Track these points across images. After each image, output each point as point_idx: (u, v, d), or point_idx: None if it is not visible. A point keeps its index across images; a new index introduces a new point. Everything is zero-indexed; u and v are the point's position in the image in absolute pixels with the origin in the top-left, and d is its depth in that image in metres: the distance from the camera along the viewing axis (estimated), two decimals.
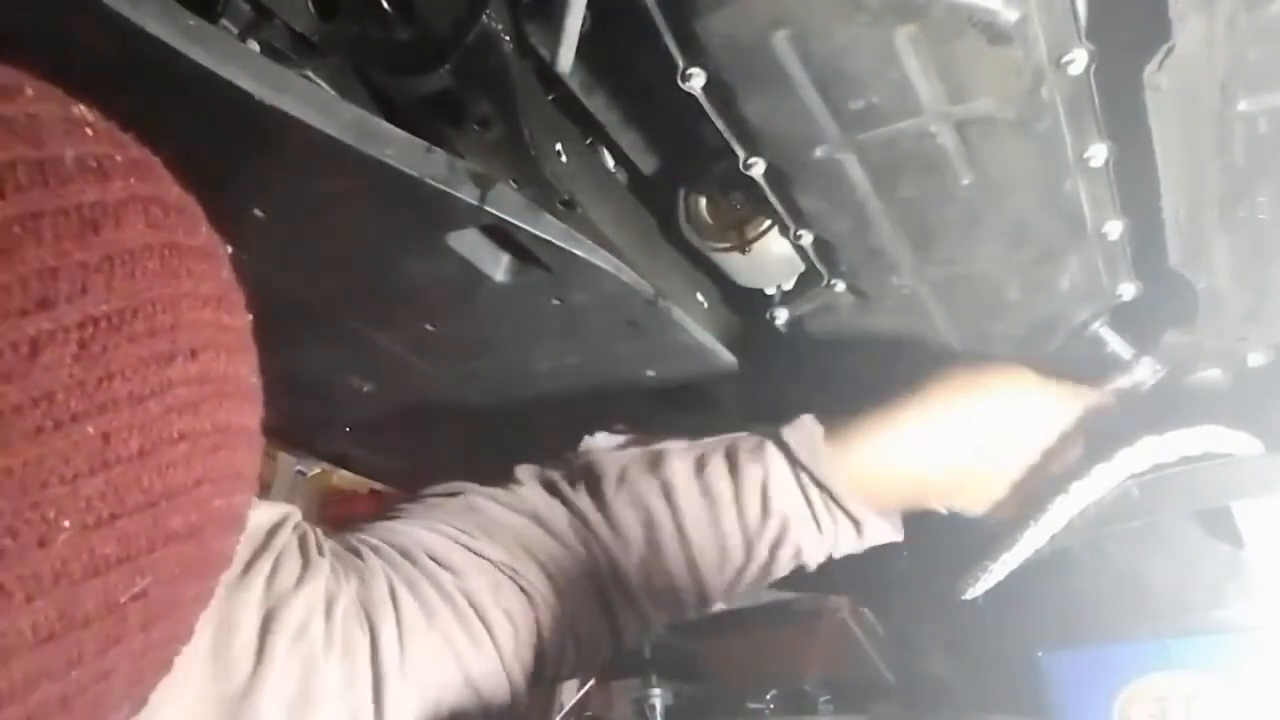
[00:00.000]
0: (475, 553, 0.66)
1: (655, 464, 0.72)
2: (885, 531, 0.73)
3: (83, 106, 0.35)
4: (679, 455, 0.72)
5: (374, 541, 0.65)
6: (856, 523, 0.71)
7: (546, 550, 0.68)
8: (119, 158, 0.34)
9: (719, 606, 0.75)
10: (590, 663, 0.70)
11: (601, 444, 0.75)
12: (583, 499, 0.70)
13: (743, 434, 0.74)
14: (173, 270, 0.34)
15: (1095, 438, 0.71)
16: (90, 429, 0.31)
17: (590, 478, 0.71)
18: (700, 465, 0.71)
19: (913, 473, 0.72)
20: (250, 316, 0.39)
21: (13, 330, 0.29)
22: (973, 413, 0.72)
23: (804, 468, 0.70)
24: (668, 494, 0.70)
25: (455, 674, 0.61)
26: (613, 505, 0.70)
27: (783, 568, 0.72)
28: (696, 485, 0.70)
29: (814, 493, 0.70)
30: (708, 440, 0.74)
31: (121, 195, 0.33)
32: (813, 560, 0.73)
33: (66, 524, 0.30)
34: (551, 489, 0.71)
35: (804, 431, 0.71)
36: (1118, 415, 0.74)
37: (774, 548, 0.71)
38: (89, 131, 0.34)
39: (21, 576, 0.29)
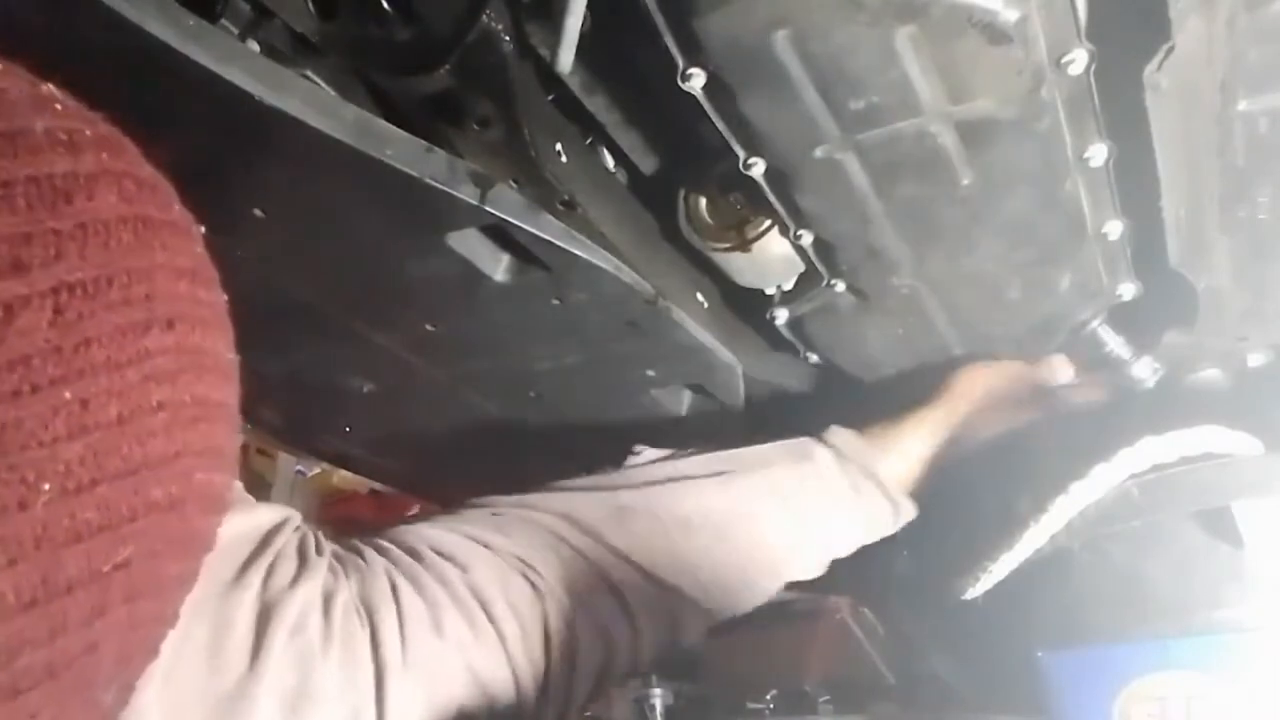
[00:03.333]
0: (484, 545, 0.65)
1: (708, 467, 0.74)
2: (911, 511, 0.79)
3: (51, 85, 0.35)
4: (729, 459, 0.75)
5: (380, 542, 0.65)
6: (895, 505, 0.77)
7: (571, 547, 0.67)
8: (89, 132, 0.34)
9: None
10: (622, 672, 0.70)
11: (648, 456, 0.77)
12: (632, 499, 0.71)
13: (778, 444, 0.77)
14: (146, 242, 0.34)
15: (1095, 438, 0.71)
16: (68, 394, 0.30)
17: (640, 481, 0.73)
18: (752, 466, 0.75)
19: (926, 466, 0.78)
20: (225, 296, 0.39)
21: None
22: (982, 408, 0.78)
23: (851, 460, 0.76)
24: (722, 494, 0.72)
25: (459, 667, 0.61)
26: (665, 505, 0.71)
27: (828, 558, 0.77)
28: (750, 486, 0.73)
29: (863, 483, 0.76)
30: (754, 447, 0.77)
31: (93, 168, 0.33)
32: (849, 548, 0.78)
33: (46, 487, 0.30)
34: (594, 489, 0.72)
35: (843, 432, 0.78)
36: (1109, 408, 0.75)
37: (825, 544, 0.76)
38: (58, 107, 0.34)
39: (2, 538, 0.29)
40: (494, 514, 0.69)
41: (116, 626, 0.33)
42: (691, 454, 0.77)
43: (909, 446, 0.78)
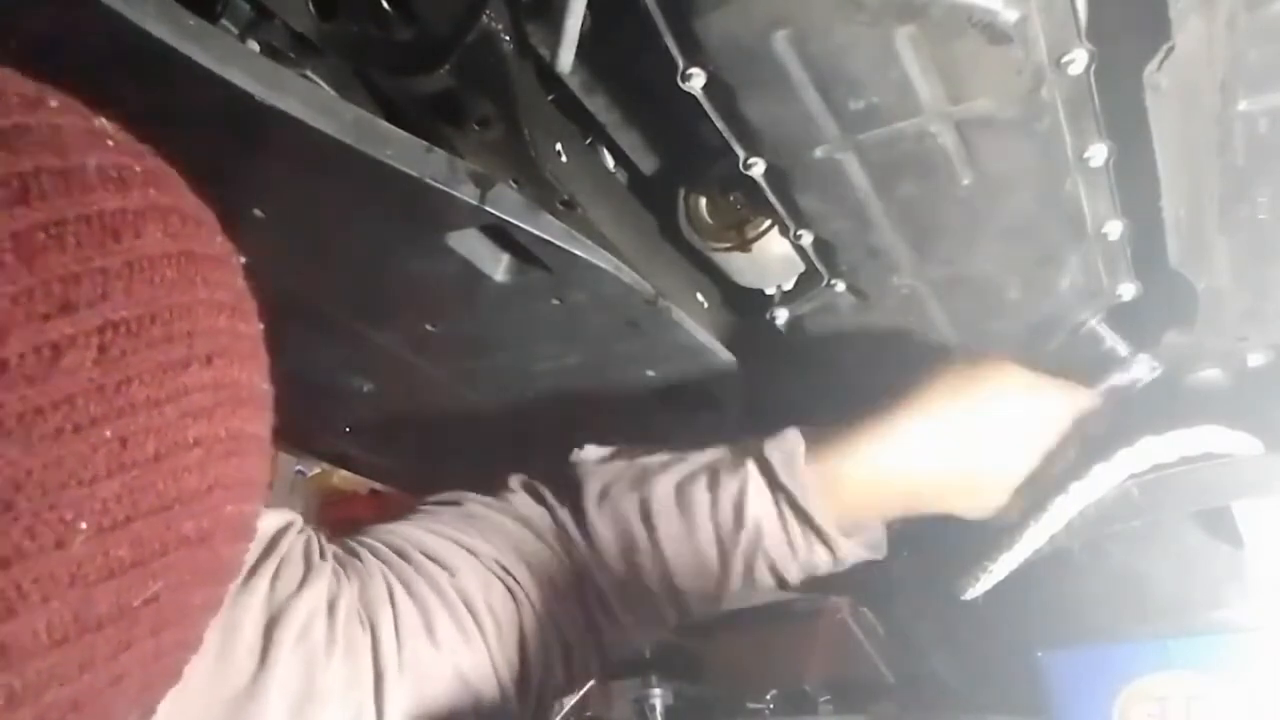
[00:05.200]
0: (468, 550, 0.67)
1: (637, 480, 0.71)
2: (860, 554, 0.71)
3: (103, 119, 0.36)
4: (661, 470, 0.71)
5: (372, 543, 0.66)
6: (831, 546, 0.69)
7: (534, 554, 0.68)
8: (138, 168, 0.35)
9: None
10: (581, 674, 0.70)
11: (589, 456, 0.74)
12: (565, 511, 0.71)
13: (725, 448, 0.71)
14: (189, 278, 0.35)
15: (1095, 437, 0.71)
16: (108, 432, 0.31)
17: (573, 491, 0.71)
18: (680, 481, 0.70)
19: (905, 480, 0.69)
20: (261, 325, 0.40)
21: (36, 334, 0.29)
22: (965, 414, 0.68)
23: (781, 488, 0.67)
24: (645, 511, 0.69)
25: (448, 669, 0.62)
26: (592, 520, 0.70)
27: (763, 581, 0.71)
28: (674, 501, 0.69)
29: (789, 513, 0.68)
30: (692, 455, 0.72)
31: (141, 204, 0.34)
32: (791, 576, 0.71)
33: (84, 526, 0.30)
34: (539, 498, 0.72)
35: (785, 448, 0.68)
36: (1114, 414, 0.74)
37: (749, 562, 0.69)
38: (110, 143, 0.35)
39: (38, 578, 0.29)
40: (469, 517, 0.70)
41: (142, 658, 0.34)
42: (629, 460, 0.73)
43: (869, 456, 0.68)
